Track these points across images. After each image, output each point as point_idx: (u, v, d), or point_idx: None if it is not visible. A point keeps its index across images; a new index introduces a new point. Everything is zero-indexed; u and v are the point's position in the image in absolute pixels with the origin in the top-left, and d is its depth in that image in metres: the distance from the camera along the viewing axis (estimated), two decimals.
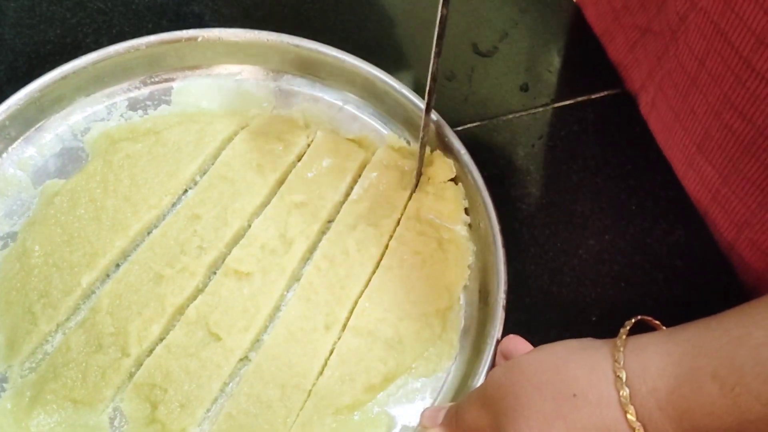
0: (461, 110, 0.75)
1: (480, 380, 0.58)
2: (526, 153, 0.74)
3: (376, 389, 0.60)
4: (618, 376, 0.44)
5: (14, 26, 0.78)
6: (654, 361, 0.43)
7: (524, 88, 0.77)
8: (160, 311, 0.61)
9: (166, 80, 0.75)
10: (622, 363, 0.44)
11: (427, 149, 0.69)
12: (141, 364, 0.60)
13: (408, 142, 0.71)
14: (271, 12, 0.74)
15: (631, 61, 0.75)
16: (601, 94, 0.78)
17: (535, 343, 0.58)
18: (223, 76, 0.75)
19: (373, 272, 0.65)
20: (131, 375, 0.60)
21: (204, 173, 0.69)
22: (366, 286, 0.64)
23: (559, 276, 0.67)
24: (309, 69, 0.75)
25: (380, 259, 0.65)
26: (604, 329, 0.56)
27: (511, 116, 0.76)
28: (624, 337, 0.46)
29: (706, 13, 0.59)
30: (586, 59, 0.80)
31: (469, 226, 0.67)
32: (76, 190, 0.66)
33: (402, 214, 0.67)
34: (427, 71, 0.58)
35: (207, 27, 0.72)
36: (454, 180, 0.69)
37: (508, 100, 0.75)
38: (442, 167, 0.69)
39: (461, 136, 0.69)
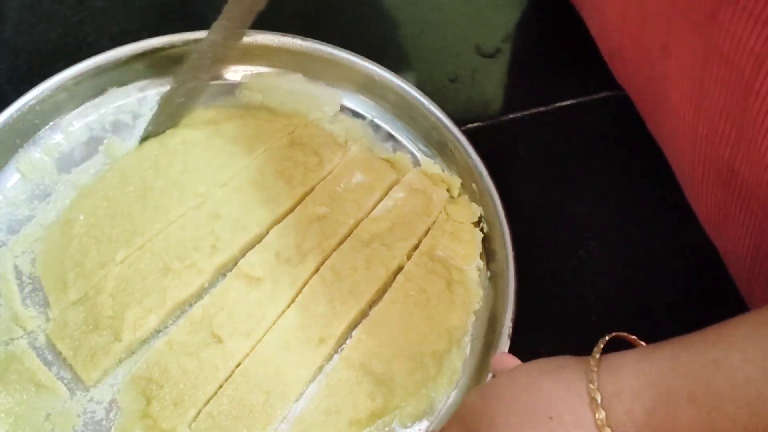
0: (463, 111, 0.78)
1: None
2: (526, 153, 0.77)
3: (362, 425, 0.61)
4: (593, 398, 0.44)
5: (15, 25, 0.82)
6: (629, 381, 0.44)
7: (525, 89, 0.80)
8: (160, 303, 0.64)
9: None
10: (596, 384, 0.45)
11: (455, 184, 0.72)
12: (133, 352, 0.64)
13: (442, 169, 0.73)
14: (271, 12, 0.73)
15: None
16: (602, 94, 0.80)
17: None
18: (290, 77, 0.77)
19: (377, 293, 0.67)
20: (120, 361, 0.63)
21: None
22: (367, 306, 0.66)
23: (559, 276, 0.70)
24: (358, 85, 0.77)
25: (387, 282, 0.67)
26: (604, 329, 0.56)
27: (512, 116, 0.78)
28: (597, 356, 0.47)
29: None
30: (586, 59, 0.81)
31: (486, 255, 0.69)
32: (129, 167, 0.70)
33: (419, 242, 0.69)
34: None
35: (210, 26, 0.73)
36: (478, 221, 0.71)
37: (510, 100, 0.78)
38: (465, 209, 0.71)
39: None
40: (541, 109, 0.79)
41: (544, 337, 0.64)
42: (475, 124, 0.77)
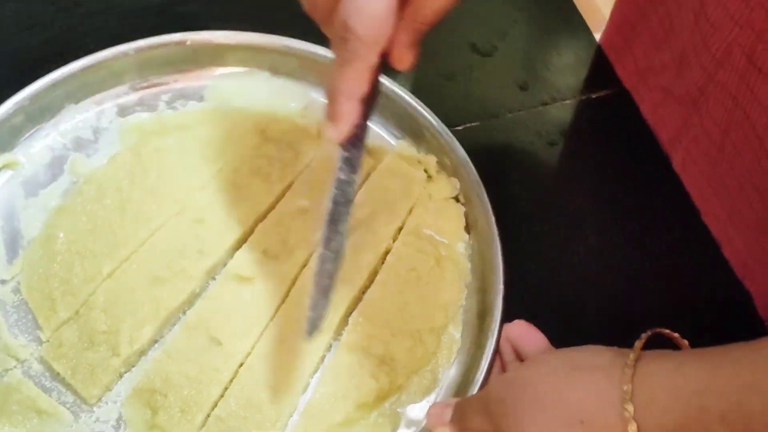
0: (461, 109, 0.79)
1: (482, 373, 0.61)
2: (525, 152, 0.78)
3: (369, 406, 0.63)
4: (626, 408, 0.45)
5: (11, 27, 0.82)
6: (662, 395, 0.45)
7: (523, 87, 0.81)
8: (154, 313, 0.64)
9: (156, 84, 0.77)
10: (629, 395, 0.45)
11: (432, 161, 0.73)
12: (132, 365, 0.64)
13: (417, 150, 0.75)
14: (268, 12, 0.75)
15: (657, 121, 0.79)
16: (601, 93, 0.81)
17: None
18: (256, 76, 0.77)
19: (368, 279, 0.68)
20: (120, 375, 0.63)
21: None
22: (359, 292, 0.67)
23: (558, 274, 0.71)
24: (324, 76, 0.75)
25: (376, 267, 0.68)
26: (604, 327, 0.55)
27: (510, 115, 0.80)
28: (632, 364, 0.46)
29: (724, 86, 0.62)
30: (585, 58, 0.84)
31: (468, 228, 0.70)
32: (104, 179, 0.70)
33: (403, 223, 0.70)
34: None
35: (205, 27, 0.75)
36: (457, 198, 0.72)
37: (508, 99, 0.80)
38: (445, 185, 0.72)
39: (461, 135, 0.73)
40: (540, 107, 0.80)
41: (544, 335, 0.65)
42: (473, 123, 0.78)
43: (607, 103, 0.81)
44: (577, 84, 0.82)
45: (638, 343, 0.49)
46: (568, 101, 0.80)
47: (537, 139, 0.78)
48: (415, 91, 0.73)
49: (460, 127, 0.77)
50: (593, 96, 0.81)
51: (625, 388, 0.45)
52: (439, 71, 0.82)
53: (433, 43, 0.83)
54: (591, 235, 0.72)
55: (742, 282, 0.70)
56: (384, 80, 0.73)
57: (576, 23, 0.86)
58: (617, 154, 0.77)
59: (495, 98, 0.80)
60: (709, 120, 0.66)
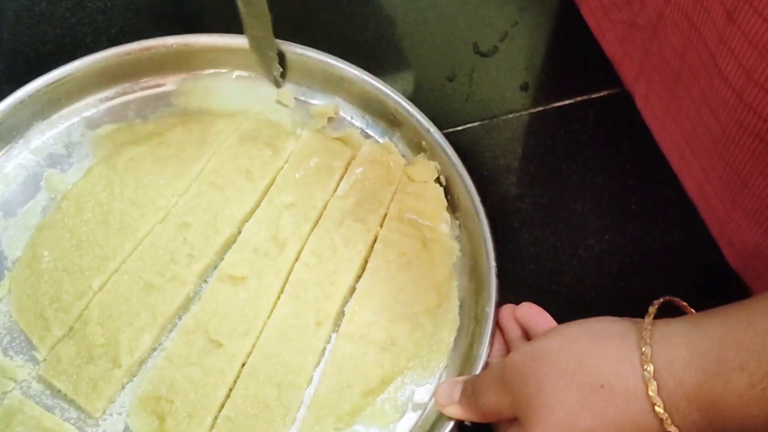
0: (462, 110, 0.80)
1: (484, 349, 0.62)
2: (526, 152, 0.78)
3: (375, 392, 0.64)
4: (645, 369, 0.46)
5: (13, 26, 0.82)
6: (680, 353, 0.45)
7: (524, 88, 0.82)
8: (151, 321, 0.64)
9: (123, 94, 0.77)
10: (648, 356, 0.46)
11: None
12: (134, 375, 0.64)
13: (390, 137, 0.75)
14: (271, 11, 0.73)
15: (622, 56, 0.80)
16: (601, 93, 0.82)
17: None
18: (222, 76, 0.78)
19: (361, 267, 0.69)
20: (123, 386, 0.63)
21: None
22: (354, 281, 0.68)
23: (558, 275, 0.71)
24: (292, 71, 0.77)
25: (367, 255, 0.69)
26: None
27: (511, 116, 0.80)
28: (649, 327, 0.48)
29: (679, 7, 0.63)
30: (586, 59, 0.85)
31: (451, 208, 0.71)
32: (81, 194, 0.70)
33: (388, 209, 0.71)
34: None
35: (206, 27, 0.75)
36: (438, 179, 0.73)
37: (509, 99, 0.81)
38: (424, 168, 0.73)
39: (462, 135, 0.75)
40: (540, 108, 0.80)
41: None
42: (475, 124, 0.79)
43: (607, 103, 0.81)
44: (578, 84, 0.82)
45: (652, 309, 0.50)
46: (568, 101, 0.80)
47: (537, 140, 0.79)
48: (417, 92, 0.74)
49: (461, 128, 0.78)
50: (594, 97, 0.81)
51: (644, 349, 0.46)
52: (441, 72, 0.82)
53: (435, 43, 0.84)
54: (591, 236, 0.73)
55: (743, 282, 0.70)
56: (352, 68, 0.74)
57: (576, 23, 0.85)
58: (618, 155, 0.77)
59: (496, 99, 0.81)
60: (666, 44, 0.66)
